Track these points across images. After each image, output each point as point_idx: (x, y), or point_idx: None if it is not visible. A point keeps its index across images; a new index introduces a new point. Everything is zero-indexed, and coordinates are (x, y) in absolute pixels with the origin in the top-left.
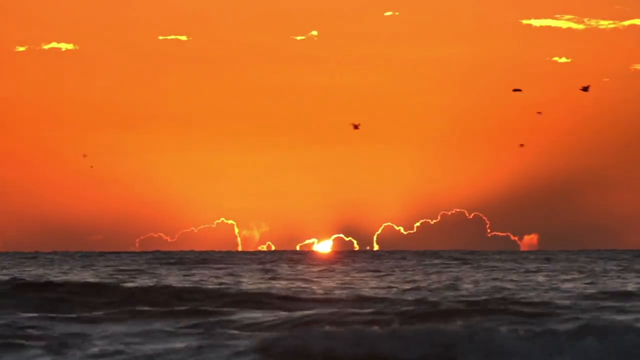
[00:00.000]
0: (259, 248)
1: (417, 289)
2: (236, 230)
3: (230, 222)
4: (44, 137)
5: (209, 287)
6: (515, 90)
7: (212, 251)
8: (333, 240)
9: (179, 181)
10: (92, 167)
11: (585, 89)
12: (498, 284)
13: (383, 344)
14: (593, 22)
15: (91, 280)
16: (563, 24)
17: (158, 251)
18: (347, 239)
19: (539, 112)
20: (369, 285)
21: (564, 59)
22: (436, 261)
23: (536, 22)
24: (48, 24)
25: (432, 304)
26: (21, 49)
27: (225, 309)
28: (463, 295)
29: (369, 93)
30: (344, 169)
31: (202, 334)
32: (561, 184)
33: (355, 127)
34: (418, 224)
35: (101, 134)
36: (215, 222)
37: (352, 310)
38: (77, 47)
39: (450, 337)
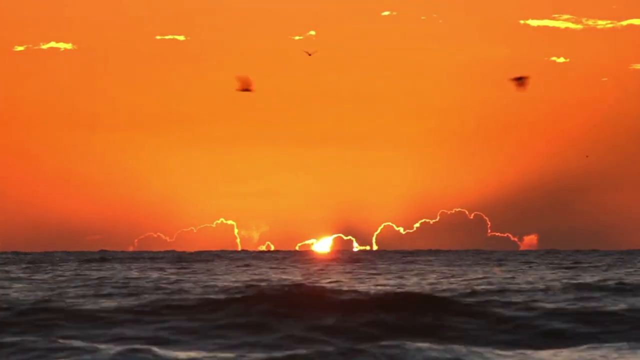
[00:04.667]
0: (259, 248)
1: None
2: (236, 230)
3: (230, 222)
4: (44, 136)
5: None
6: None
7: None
8: (332, 240)
9: (179, 181)
10: (587, 156)
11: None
12: None
13: None
14: (591, 22)
15: None
16: (561, 24)
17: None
18: (346, 237)
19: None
20: None
21: (562, 59)
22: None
23: (534, 22)
24: (46, 23)
25: None
26: (20, 48)
27: None
28: None
29: (367, 93)
30: (344, 169)
31: None
32: (561, 184)
33: (309, 54)
34: (418, 224)
35: (100, 134)
36: (214, 222)
37: None
38: (76, 47)
39: None
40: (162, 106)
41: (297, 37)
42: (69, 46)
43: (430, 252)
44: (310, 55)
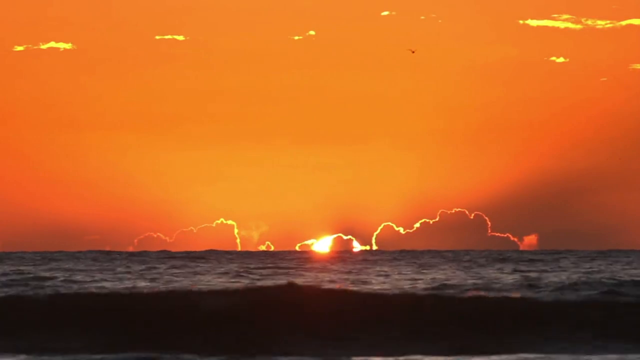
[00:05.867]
0: (259, 248)
1: None
2: (236, 230)
3: (230, 222)
4: (43, 136)
5: None
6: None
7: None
8: (332, 240)
9: (178, 181)
10: None
11: None
12: None
13: None
14: (590, 22)
15: None
16: (560, 24)
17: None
18: (345, 237)
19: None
20: None
21: (561, 59)
22: None
23: (533, 22)
24: (46, 23)
25: None
26: (19, 48)
27: None
28: None
29: (367, 92)
30: (344, 168)
31: None
32: (561, 185)
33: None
34: (418, 224)
35: (100, 134)
36: (214, 222)
37: None
38: (75, 47)
39: None
40: (162, 106)
41: (296, 37)
42: (68, 46)
43: (429, 252)
44: (413, 52)
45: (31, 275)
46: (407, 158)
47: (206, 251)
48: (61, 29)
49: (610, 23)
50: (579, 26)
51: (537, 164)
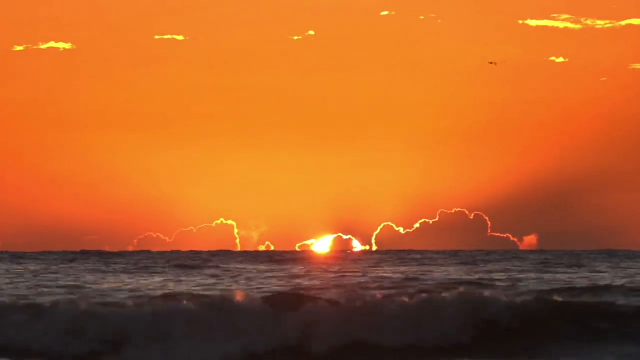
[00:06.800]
0: (259, 248)
1: None
2: (235, 230)
3: (230, 222)
4: (42, 136)
5: None
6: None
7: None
8: (332, 240)
9: (179, 181)
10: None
11: None
12: None
13: None
14: (590, 22)
15: None
16: (560, 24)
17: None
18: (345, 237)
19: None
20: None
21: (561, 59)
22: None
23: (533, 22)
24: (46, 23)
25: None
26: (19, 48)
27: None
28: None
29: (367, 92)
30: (343, 168)
31: None
32: (561, 185)
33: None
34: (418, 224)
35: (100, 133)
36: (214, 222)
37: None
38: (75, 47)
39: None
40: (162, 105)
41: (296, 37)
42: (68, 46)
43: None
44: (495, 64)
45: None
46: (407, 158)
47: (189, 252)
48: (61, 29)
49: (610, 23)
50: (578, 26)
51: (537, 164)
